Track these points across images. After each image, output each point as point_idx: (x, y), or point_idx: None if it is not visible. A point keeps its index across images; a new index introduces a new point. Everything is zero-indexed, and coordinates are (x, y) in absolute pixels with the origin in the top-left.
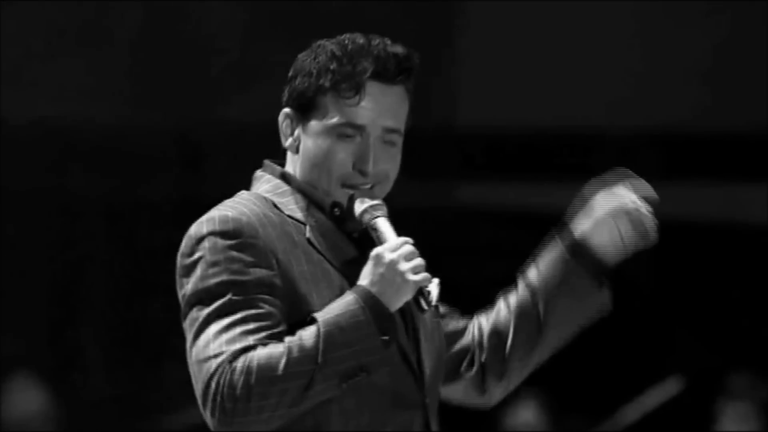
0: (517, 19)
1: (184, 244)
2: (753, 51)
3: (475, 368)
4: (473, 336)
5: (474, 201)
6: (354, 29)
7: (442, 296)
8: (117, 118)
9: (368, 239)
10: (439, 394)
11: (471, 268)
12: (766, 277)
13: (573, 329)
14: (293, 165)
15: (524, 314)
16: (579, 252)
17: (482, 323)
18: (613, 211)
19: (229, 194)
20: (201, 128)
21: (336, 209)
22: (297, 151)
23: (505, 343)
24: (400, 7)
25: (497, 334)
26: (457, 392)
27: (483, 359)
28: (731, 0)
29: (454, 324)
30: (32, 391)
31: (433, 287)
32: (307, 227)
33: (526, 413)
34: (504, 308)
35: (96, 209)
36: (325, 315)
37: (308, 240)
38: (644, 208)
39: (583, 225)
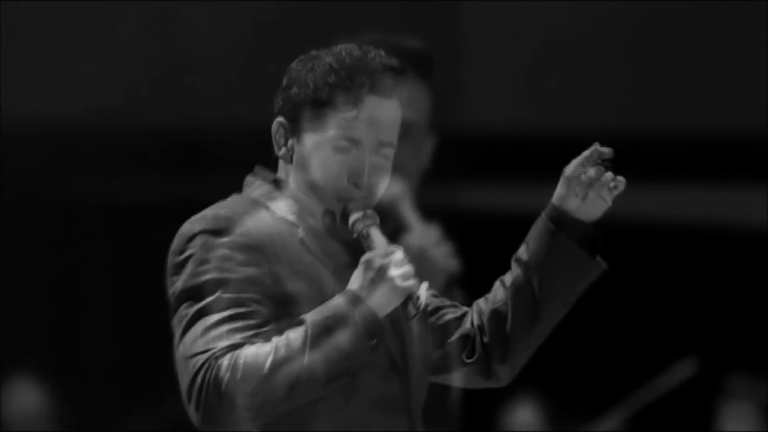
0: (522, 20)
1: (176, 242)
2: (752, 51)
3: (477, 353)
4: (472, 321)
5: (478, 204)
6: (360, 30)
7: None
8: (118, 119)
9: (360, 246)
10: (423, 399)
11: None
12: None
13: (569, 298)
14: (285, 174)
15: (520, 291)
16: (559, 217)
17: (481, 307)
18: (573, 174)
19: (228, 196)
20: (201, 129)
21: (327, 218)
22: (291, 160)
23: (505, 322)
24: (405, 7)
25: (496, 315)
26: (463, 379)
27: (485, 342)
28: (736, 1)
29: (452, 313)
30: (32, 391)
31: (423, 291)
32: (300, 228)
33: (524, 414)
34: (501, 289)
35: (96, 209)
36: (313, 317)
37: (301, 240)
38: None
39: (558, 191)
